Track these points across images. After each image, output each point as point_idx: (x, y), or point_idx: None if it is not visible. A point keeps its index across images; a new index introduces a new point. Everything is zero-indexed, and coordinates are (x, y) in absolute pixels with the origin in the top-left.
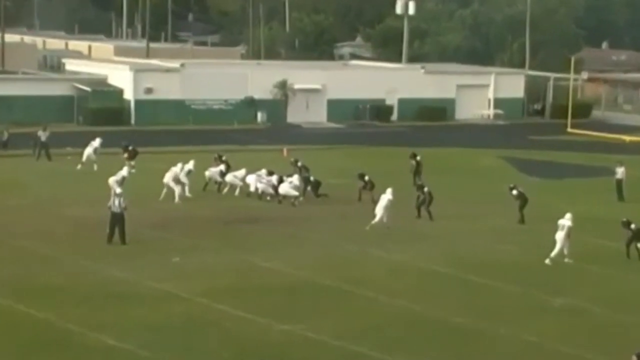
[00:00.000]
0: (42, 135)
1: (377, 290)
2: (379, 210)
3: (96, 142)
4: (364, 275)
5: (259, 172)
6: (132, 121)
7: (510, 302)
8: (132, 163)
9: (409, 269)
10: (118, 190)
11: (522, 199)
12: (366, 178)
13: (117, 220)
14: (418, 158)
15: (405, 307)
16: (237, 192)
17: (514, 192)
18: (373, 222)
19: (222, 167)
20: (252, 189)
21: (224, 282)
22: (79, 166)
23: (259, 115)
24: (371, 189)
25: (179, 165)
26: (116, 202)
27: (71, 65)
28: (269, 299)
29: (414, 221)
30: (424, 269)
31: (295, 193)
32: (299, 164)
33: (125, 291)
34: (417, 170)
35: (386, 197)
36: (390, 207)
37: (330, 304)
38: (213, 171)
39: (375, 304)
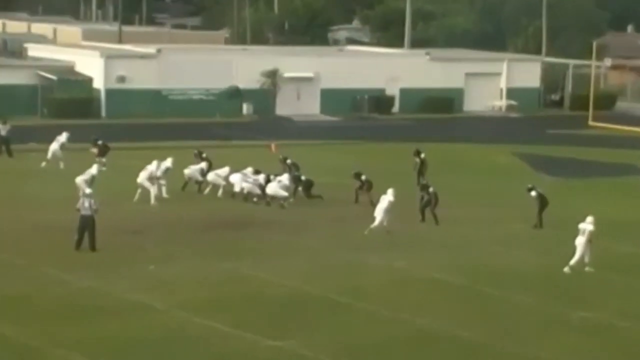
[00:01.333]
0: (2, 129)
1: (377, 303)
2: (379, 213)
3: (63, 137)
4: (362, 286)
5: (244, 171)
6: (103, 113)
7: (525, 315)
8: (103, 160)
9: (412, 279)
10: (87, 190)
11: (542, 202)
12: (363, 177)
13: (87, 224)
14: (422, 155)
15: (409, 322)
16: (220, 192)
17: (533, 193)
18: (372, 225)
19: (203, 164)
20: (236, 189)
21: (205, 293)
22: (43, 163)
23: (245, 106)
24: (369, 190)
25: (155, 163)
26: (86, 204)
27: (34, 50)
28: (257, 312)
29: (418, 225)
30: (430, 279)
31: (285, 194)
32: (289, 161)
33: (95, 303)
34: (421, 169)
35: (387, 198)
36: (391, 210)
37: (325, 318)
38: (193, 169)
39: (376, 318)
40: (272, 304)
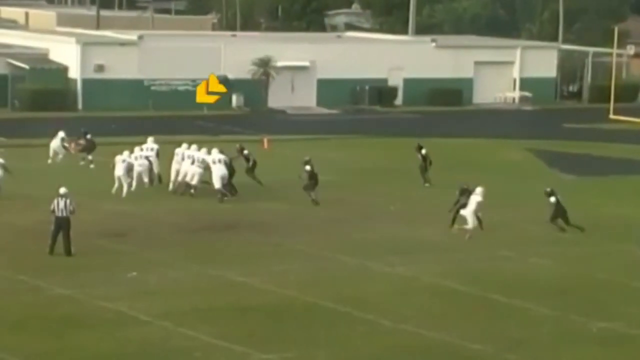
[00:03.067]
0: None
1: (379, 313)
2: (469, 215)
3: (62, 133)
4: (363, 294)
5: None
6: (79, 105)
7: (539, 325)
8: (90, 157)
9: (417, 287)
10: (62, 190)
11: (557, 209)
12: (307, 168)
13: (62, 225)
14: (424, 151)
15: (414, 333)
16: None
17: (552, 199)
18: (468, 227)
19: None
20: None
21: (191, 302)
22: (49, 161)
23: (234, 98)
24: (312, 186)
25: (126, 153)
26: (61, 204)
27: (4, 37)
28: (247, 322)
29: (423, 228)
30: (436, 286)
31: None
32: (245, 152)
33: (71, 313)
34: (424, 166)
35: (475, 199)
36: (480, 211)
37: (323, 329)
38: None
39: (378, 329)
40: (264, 313)
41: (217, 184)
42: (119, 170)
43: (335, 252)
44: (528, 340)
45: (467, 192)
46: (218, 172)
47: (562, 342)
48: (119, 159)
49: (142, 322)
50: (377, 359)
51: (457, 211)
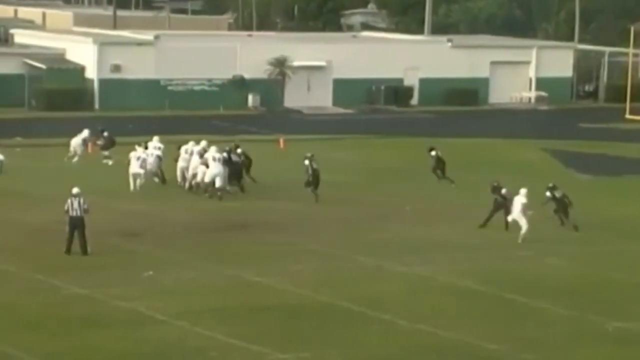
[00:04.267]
0: None
1: (395, 313)
2: (519, 217)
3: (85, 133)
4: (378, 294)
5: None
6: (96, 105)
7: (555, 325)
8: (106, 153)
9: (433, 286)
10: (75, 190)
11: (559, 204)
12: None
13: (77, 225)
14: (433, 153)
15: (430, 333)
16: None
17: (548, 193)
18: (522, 233)
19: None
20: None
21: (207, 302)
22: (75, 159)
23: (251, 98)
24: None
25: (140, 149)
26: (75, 204)
27: (21, 37)
28: (263, 322)
29: (439, 227)
30: (451, 286)
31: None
32: (239, 150)
33: (88, 312)
34: (437, 167)
35: (519, 200)
36: (525, 211)
37: (338, 328)
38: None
39: (393, 329)
40: (279, 313)
41: (218, 182)
42: (135, 168)
43: (350, 251)
44: (544, 340)
45: (498, 190)
46: (214, 170)
47: (578, 341)
48: (133, 155)
49: (159, 321)
50: (393, 359)
51: (491, 215)
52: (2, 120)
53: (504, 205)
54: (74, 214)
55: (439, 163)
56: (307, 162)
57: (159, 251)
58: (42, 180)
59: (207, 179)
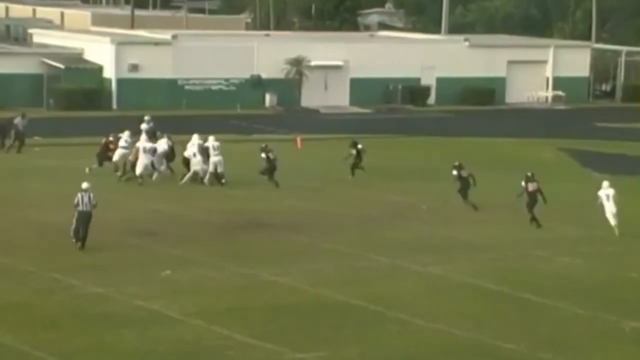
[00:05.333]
0: (20, 124)
1: (412, 312)
2: (610, 216)
3: (125, 135)
4: (395, 293)
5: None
6: (114, 105)
7: (572, 325)
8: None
9: (449, 286)
10: (84, 185)
11: (463, 183)
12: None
13: (85, 219)
14: (360, 146)
15: (446, 333)
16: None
17: (454, 172)
18: (614, 224)
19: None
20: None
21: (224, 301)
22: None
23: (268, 97)
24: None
25: (164, 141)
26: (85, 199)
27: (40, 36)
28: (280, 321)
29: (455, 226)
30: (468, 285)
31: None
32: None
33: (105, 311)
34: (356, 163)
35: (604, 192)
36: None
37: (355, 328)
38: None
39: (410, 328)
40: (296, 312)
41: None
42: (144, 159)
43: (367, 251)
44: (560, 339)
45: (459, 169)
46: (144, 161)
47: (594, 341)
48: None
49: (175, 320)
50: (409, 358)
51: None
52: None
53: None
54: (84, 208)
55: (358, 158)
56: (263, 154)
57: (177, 250)
58: (60, 180)
59: (138, 170)
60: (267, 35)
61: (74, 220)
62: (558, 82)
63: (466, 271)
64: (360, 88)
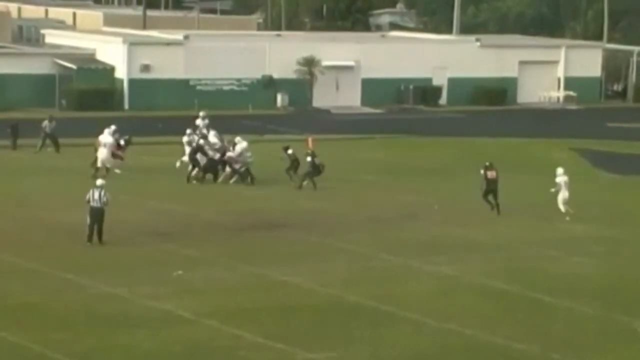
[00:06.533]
0: (48, 126)
1: (423, 312)
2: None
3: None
4: (407, 294)
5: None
6: (126, 105)
7: (585, 325)
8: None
9: (461, 286)
10: (99, 181)
11: (295, 162)
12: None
13: (97, 216)
14: (290, 151)
15: (458, 333)
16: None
17: (309, 159)
18: (565, 210)
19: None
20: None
21: (236, 301)
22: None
23: (279, 98)
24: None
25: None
26: (95, 195)
27: (52, 37)
28: (291, 321)
29: (467, 226)
30: (480, 285)
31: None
32: (290, 151)
33: (117, 311)
34: (291, 167)
35: (562, 179)
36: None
37: (367, 328)
38: None
39: (422, 328)
40: (308, 312)
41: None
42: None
43: (379, 250)
44: (572, 340)
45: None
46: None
47: (606, 342)
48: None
49: (188, 321)
50: (421, 359)
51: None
52: (33, 120)
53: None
54: (94, 204)
55: (294, 162)
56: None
57: (189, 250)
58: (72, 180)
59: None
60: (279, 35)
61: (88, 216)
62: (570, 82)
63: (478, 271)
64: (372, 88)
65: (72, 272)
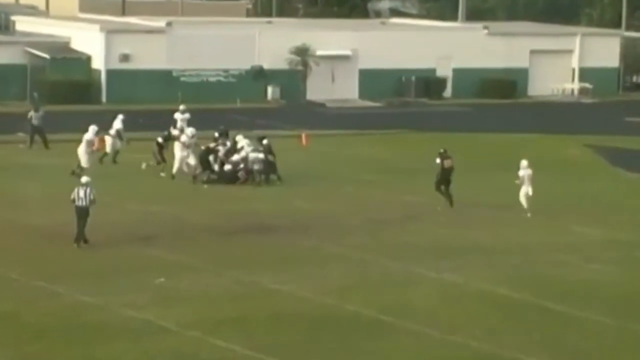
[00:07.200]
0: (34, 117)
1: (425, 322)
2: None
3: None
4: (408, 302)
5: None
6: (103, 98)
7: (599, 337)
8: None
9: (466, 294)
10: (84, 179)
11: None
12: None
13: (82, 215)
14: (265, 142)
15: (464, 345)
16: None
17: (437, 160)
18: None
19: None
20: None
21: (223, 310)
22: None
23: (270, 90)
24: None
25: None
26: (81, 193)
27: (23, 24)
28: (283, 332)
29: (473, 230)
30: (488, 294)
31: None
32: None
33: (94, 321)
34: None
35: (526, 172)
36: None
37: (365, 340)
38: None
39: (425, 340)
40: (302, 323)
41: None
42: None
43: (378, 255)
44: (588, 352)
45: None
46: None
47: (624, 354)
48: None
49: (171, 332)
50: None
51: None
52: (3, 115)
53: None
54: (79, 203)
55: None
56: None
57: (172, 255)
58: (46, 179)
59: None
60: (270, 22)
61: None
62: (585, 74)
63: (485, 277)
64: (370, 80)
65: (46, 279)
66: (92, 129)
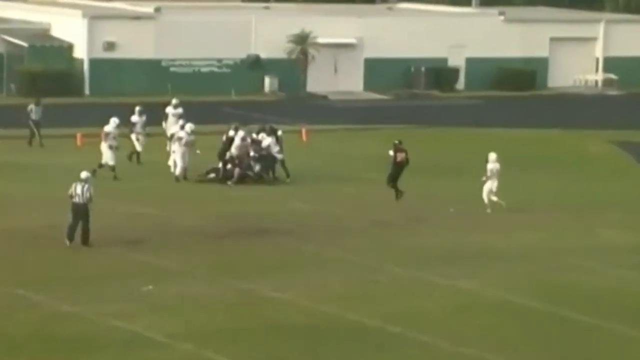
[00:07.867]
0: (34, 111)
1: (435, 333)
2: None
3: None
4: (417, 312)
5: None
6: (86, 90)
7: (624, 349)
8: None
9: (480, 302)
10: (83, 174)
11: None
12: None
13: (80, 213)
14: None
15: (477, 358)
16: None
17: (390, 152)
18: (489, 201)
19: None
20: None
21: (216, 321)
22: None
23: (268, 81)
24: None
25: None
26: (78, 189)
27: None
28: (282, 344)
29: (488, 233)
30: (502, 302)
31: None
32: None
33: (77, 332)
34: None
35: (495, 166)
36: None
37: (370, 352)
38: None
39: (433, 353)
40: (300, 334)
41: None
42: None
43: (383, 261)
44: None
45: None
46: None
47: None
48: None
49: (160, 344)
50: None
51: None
52: None
53: None
54: (77, 200)
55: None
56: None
57: (162, 261)
58: (25, 179)
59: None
60: (267, 7)
61: (70, 214)
62: (610, 63)
63: (499, 285)
64: (376, 70)
65: (25, 286)
66: (114, 121)
